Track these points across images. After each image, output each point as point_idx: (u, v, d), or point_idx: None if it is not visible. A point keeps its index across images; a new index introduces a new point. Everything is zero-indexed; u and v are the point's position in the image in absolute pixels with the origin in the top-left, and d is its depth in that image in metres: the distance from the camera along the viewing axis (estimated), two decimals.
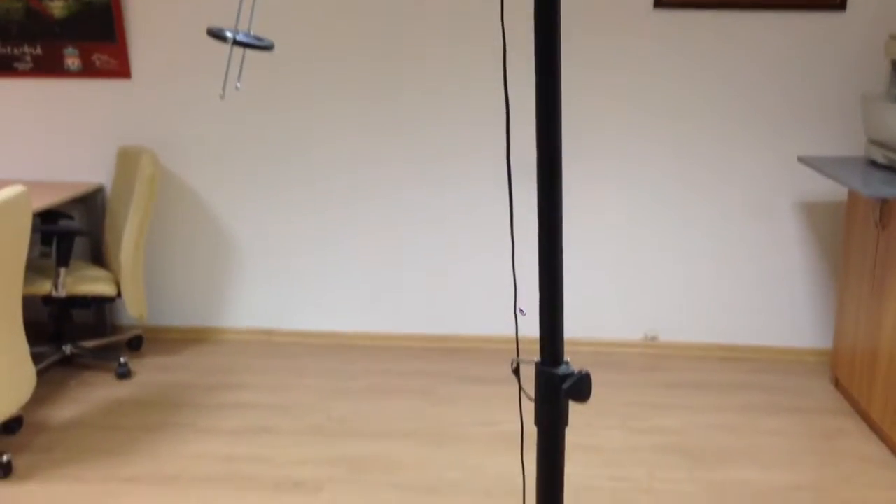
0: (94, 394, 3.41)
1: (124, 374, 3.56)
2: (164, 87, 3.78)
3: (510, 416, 3.22)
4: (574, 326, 3.89)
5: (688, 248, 3.78)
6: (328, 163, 3.82)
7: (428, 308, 3.93)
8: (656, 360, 3.80)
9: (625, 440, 3.03)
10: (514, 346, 3.90)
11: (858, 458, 2.90)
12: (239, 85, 3.72)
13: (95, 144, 3.87)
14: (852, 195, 3.33)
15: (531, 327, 3.77)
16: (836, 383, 3.47)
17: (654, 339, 3.87)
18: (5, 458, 2.76)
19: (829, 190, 3.67)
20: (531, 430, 2.74)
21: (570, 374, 1.14)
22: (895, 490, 2.69)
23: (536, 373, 1.16)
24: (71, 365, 3.71)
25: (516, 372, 1.21)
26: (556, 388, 1.14)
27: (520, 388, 1.25)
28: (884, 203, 2.98)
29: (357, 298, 3.95)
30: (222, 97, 3.68)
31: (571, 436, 3.03)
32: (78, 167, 3.89)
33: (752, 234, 3.74)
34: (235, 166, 3.85)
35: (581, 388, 1.14)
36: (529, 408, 3.11)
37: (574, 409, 3.22)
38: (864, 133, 3.55)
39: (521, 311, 1.14)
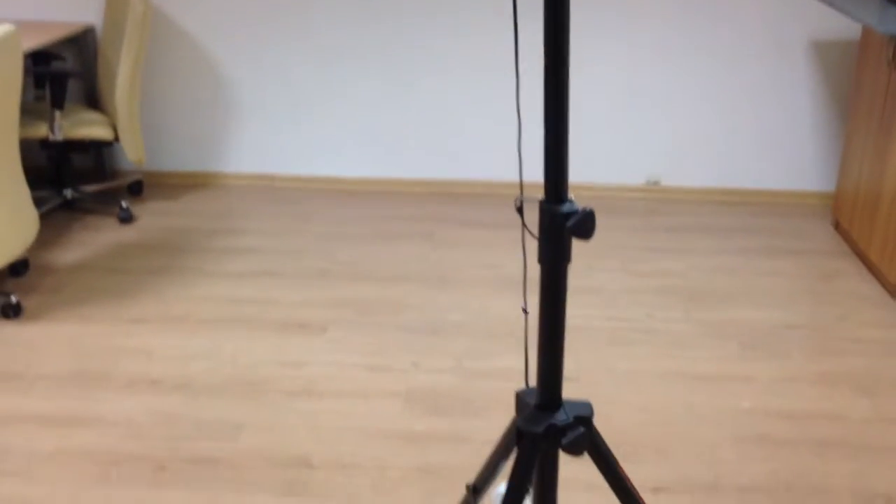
0: (97, 238, 3.43)
1: (126, 218, 3.57)
2: None
3: (512, 259, 3.25)
4: (576, 171, 3.86)
5: (692, 91, 3.70)
6: (331, 6, 3.68)
7: (430, 153, 3.89)
8: (658, 204, 3.80)
9: (624, 282, 3.06)
10: (515, 191, 3.90)
11: (855, 297, 2.94)
12: None
13: None
14: (866, 32, 3.22)
15: (534, 173, 3.75)
16: (837, 226, 3.48)
17: (656, 183, 3.85)
18: (14, 298, 2.81)
19: (842, 28, 3.56)
20: (532, 275, 2.77)
21: (574, 212, 1.13)
22: (888, 328, 2.74)
23: (540, 210, 1.15)
24: (73, 209, 3.72)
25: (520, 209, 1.20)
26: (560, 225, 1.13)
27: (523, 224, 1.24)
28: None
29: (359, 143, 3.90)
30: None
31: (571, 279, 3.06)
32: (65, 6, 3.76)
33: (758, 75, 3.65)
34: (234, 5, 3.71)
35: (585, 225, 1.13)
36: (532, 249, 3.14)
37: (575, 252, 3.25)
38: None
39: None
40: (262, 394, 2.39)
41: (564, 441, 1.19)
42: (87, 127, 3.40)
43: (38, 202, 2.96)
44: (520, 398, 1.27)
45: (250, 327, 2.75)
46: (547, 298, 1.17)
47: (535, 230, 1.16)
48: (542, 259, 1.16)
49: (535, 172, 3.75)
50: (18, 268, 3.09)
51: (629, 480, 1.28)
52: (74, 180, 3.64)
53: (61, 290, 2.99)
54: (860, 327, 2.75)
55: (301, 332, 2.73)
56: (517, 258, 3.25)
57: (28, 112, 3.45)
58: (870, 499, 1.98)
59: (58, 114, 3.31)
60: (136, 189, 3.89)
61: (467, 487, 1.55)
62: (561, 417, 1.21)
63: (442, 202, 3.82)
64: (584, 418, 1.22)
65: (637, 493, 1.28)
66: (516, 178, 3.88)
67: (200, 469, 2.08)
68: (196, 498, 1.98)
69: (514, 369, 2.52)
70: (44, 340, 2.67)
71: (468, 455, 2.14)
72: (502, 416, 2.29)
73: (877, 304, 2.90)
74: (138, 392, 2.40)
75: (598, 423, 2.24)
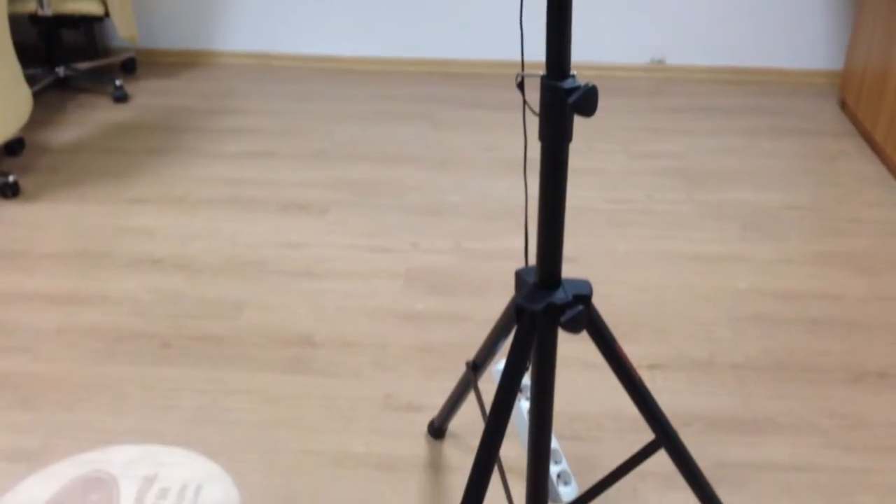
0: (92, 116, 3.39)
1: (121, 97, 3.52)
2: None
3: (512, 140, 3.22)
4: (579, 49, 3.78)
5: None
6: None
7: (429, 31, 3.79)
8: (662, 84, 3.73)
9: (625, 164, 3.04)
10: (515, 71, 3.82)
11: (857, 178, 2.93)
12: None
13: None
14: None
15: (536, 52, 3.67)
16: (843, 105, 3.43)
17: (660, 62, 3.77)
18: (11, 178, 2.79)
19: None
20: (533, 155, 2.74)
21: (577, 88, 1.10)
22: (890, 208, 2.74)
23: (541, 86, 1.12)
24: (66, 87, 3.66)
25: (521, 85, 1.17)
26: (562, 101, 1.10)
27: (524, 100, 1.21)
28: None
29: (357, 21, 3.80)
30: None
31: (571, 160, 3.04)
32: None
33: None
34: None
35: (587, 101, 1.10)
36: (533, 128, 3.10)
37: (575, 133, 3.21)
38: None
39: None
40: (263, 274, 2.41)
41: (563, 319, 1.20)
42: (76, 1, 3.30)
43: (30, 80, 2.91)
44: (519, 277, 1.28)
45: (250, 208, 2.75)
46: (547, 177, 1.16)
47: (537, 108, 1.13)
48: (543, 136, 1.14)
49: (536, 52, 3.66)
50: (14, 147, 3.06)
51: (626, 358, 1.30)
52: (66, 58, 3.56)
53: (59, 170, 2.97)
54: (861, 208, 2.75)
55: (301, 212, 2.72)
56: (517, 140, 3.22)
57: None
58: (861, 375, 2.02)
59: None
60: (129, 67, 3.81)
61: (467, 364, 1.57)
62: (560, 296, 1.22)
63: (441, 82, 3.75)
64: (582, 297, 1.23)
65: (634, 370, 1.31)
66: (516, 58, 3.79)
67: (205, 346, 2.11)
68: (202, 374, 2.02)
69: (514, 249, 2.53)
70: (44, 220, 2.67)
71: (468, 333, 2.17)
72: (502, 296, 2.31)
73: (878, 185, 2.88)
74: (140, 271, 2.41)
75: (597, 302, 2.26)
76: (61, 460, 1.79)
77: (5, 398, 1.95)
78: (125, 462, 1.79)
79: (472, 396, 1.85)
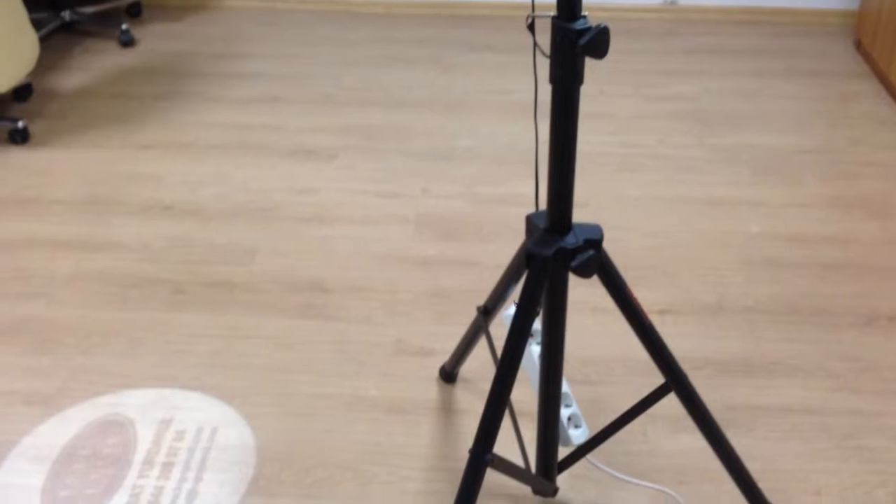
0: (100, 61, 3.36)
1: (128, 41, 3.48)
2: None
3: (523, 84, 3.18)
4: None
5: None
6: None
7: None
8: (675, 25, 3.67)
9: (637, 107, 3.01)
10: (523, 13, 3.76)
11: (871, 120, 2.89)
12: None
13: None
14: None
15: None
16: (859, 46, 3.37)
17: (673, 3, 3.71)
18: (21, 124, 2.78)
19: None
20: (544, 99, 2.71)
21: (588, 29, 1.09)
22: None
23: (552, 28, 1.10)
24: (72, 32, 3.62)
25: (531, 27, 1.15)
26: (573, 43, 1.09)
27: (534, 42, 1.19)
28: None
29: None
30: None
31: (583, 103, 3.01)
32: None
33: None
34: None
35: (598, 42, 1.08)
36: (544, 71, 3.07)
37: (587, 77, 3.17)
38: None
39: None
40: (274, 220, 2.41)
41: (574, 263, 1.20)
42: None
43: (36, 25, 2.88)
44: (530, 221, 1.28)
45: (259, 153, 2.74)
46: (558, 120, 1.15)
47: (547, 50, 1.12)
48: (554, 79, 1.13)
49: None
50: (22, 93, 3.04)
51: (637, 302, 1.30)
52: (71, 1, 3.52)
53: (67, 116, 2.96)
54: (875, 150, 2.72)
55: (310, 158, 2.71)
56: (527, 83, 3.18)
57: None
58: (873, 319, 2.02)
59: None
60: (135, 11, 3.77)
61: (478, 309, 1.58)
62: (571, 240, 1.22)
63: (449, 25, 3.69)
64: (593, 241, 1.23)
65: (645, 314, 1.31)
66: None
67: (217, 292, 2.13)
68: (215, 320, 2.04)
69: (525, 194, 2.52)
70: (54, 166, 2.67)
71: (478, 278, 2.17)
72: (512, 241, 2.31)
73: (894, 127, 2.84)
74: (151, 217, 2.42)
75: (608, 246, 2.26)
76: (78, 404, 1.82)
77: (22, 343, 1.97)
78: (141, 405, 1.81)
79: (482, 341, 1.87)
